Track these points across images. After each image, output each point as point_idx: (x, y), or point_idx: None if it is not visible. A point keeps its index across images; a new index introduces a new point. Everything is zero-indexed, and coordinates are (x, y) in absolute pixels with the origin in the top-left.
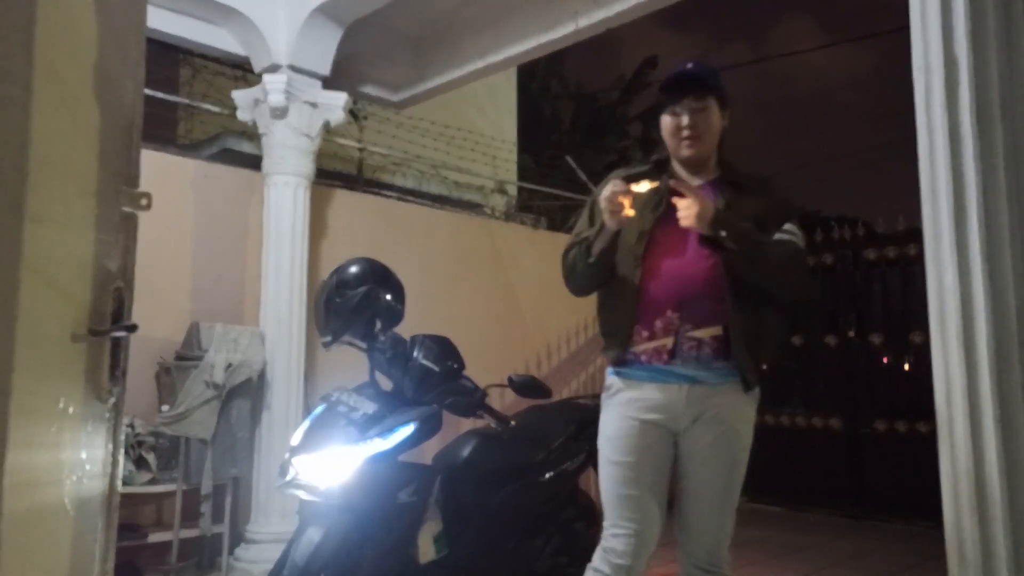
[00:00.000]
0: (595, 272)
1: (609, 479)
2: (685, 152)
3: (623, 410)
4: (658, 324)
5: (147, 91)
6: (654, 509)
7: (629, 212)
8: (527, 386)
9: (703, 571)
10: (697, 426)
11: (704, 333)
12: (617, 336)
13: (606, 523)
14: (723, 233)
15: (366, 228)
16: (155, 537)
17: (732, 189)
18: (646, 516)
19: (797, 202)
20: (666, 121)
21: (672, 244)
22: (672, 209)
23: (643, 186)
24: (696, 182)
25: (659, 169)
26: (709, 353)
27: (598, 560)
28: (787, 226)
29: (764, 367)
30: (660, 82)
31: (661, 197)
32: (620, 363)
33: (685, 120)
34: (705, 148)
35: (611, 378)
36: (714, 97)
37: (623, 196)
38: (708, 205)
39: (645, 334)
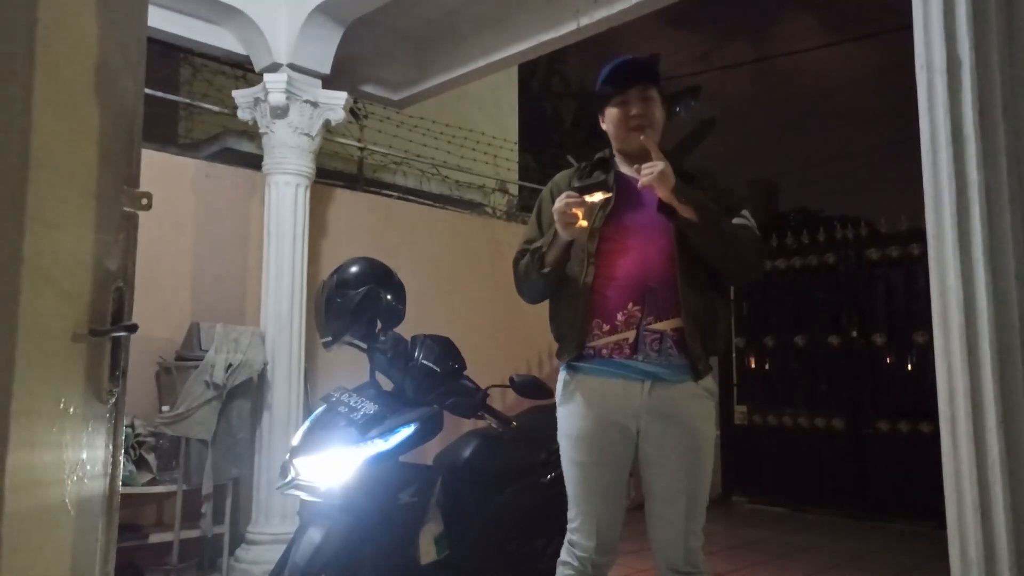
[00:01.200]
0: (548, 281)
1: (571, 477)
2: (635, 142)
3: (582, 408)
4: (619, 317)
5: (147, 90)
6: (615, 507)
7: (583, 223)
8: (528, 386)
9: (679, 573)
10: (658, 425)
11: (665, 325)
12: (572, 334)
13: (569, 515)
14: (682, 200)
15: (367, 228)
16: (156, 537)
17: (682, 179)
18: (607, 510)
19: (796, 202)
20: (613, 113)
21: (626, 238)
22: (622, 205)
23: (596, 196)
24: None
25: (601, 167)
26: (671, 346)
27: (565, 553)
28: (742, 212)
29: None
30: (603, 74)
31: (609, 198)
32: (577, 359)
33: (634, 109)
34: (655, 136)
35: (566, 374)
36: (656, 89)
37: (577, 207)
38: (670, 170)
39: (606, 328)
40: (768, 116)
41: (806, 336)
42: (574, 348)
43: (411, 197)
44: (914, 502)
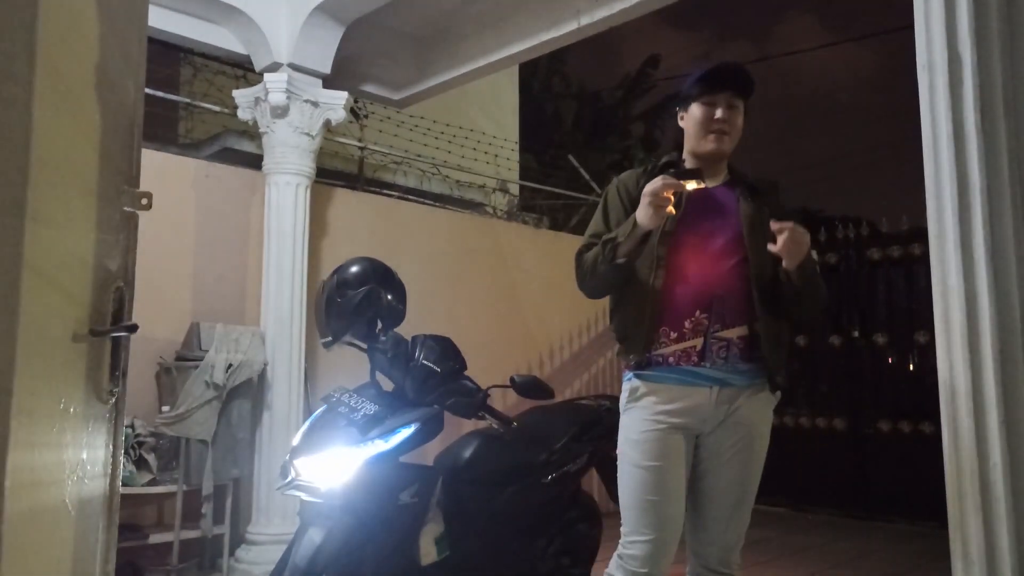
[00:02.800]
0: (618, 274)
1: (633, 483)
2: (711, 145)
3: (649, 414)
4: (687, 325)
5: (148, 90)
6: (677, 515)
7: (672, 209)
8: (529, 387)
9: (713, 572)
10: (721, 429)
11: (732, 333)
12: (637, 339)
13: (625, 529)
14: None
15: (367, 227)
16: (156, 538)
17: (749, 192)
18: (668, 523)
19: (796, 202)
20: (697, 111)
21: (696, 244)
22: (693, 209)
23: (691, 184)
24: (712, 184)
25: (668, 171)
26: (736, 354)
27: (615, 568)
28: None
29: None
30: (698, 72)
31: (680, 197)
32: (643, 366)
33: (720, 113)
34: (730, 146)
35: (633, 382)
36: (744, 101)
37: (672, 191)
38: (807, 239)
39: (673, 335)
40: (768, 116)
41: (807, 336)
42: (640, 350)
43: (411, 197)
44: (915, 502)
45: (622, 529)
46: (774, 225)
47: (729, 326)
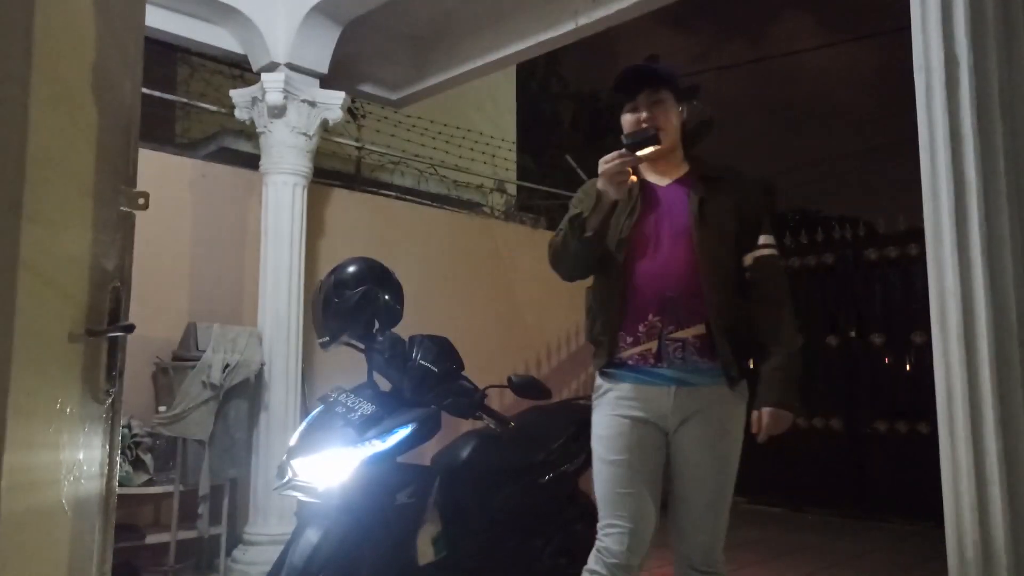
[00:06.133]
0: (587, 251)
1: (603, 478)
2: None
3: (613, 409)
4: (641, 329)
5: (145, 90)
6: (648, 506)
7: (633, 178)
8: (526, 387)
9: (699, 572)
10: (686, 427)
11: (687, 333)
12: (604, 343)
13: (600, 523)
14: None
15: (364, 227)
16: (153, 538)
17: (705, 185)
18: (640, 514)
19: (794, 202)
20: (626, 119)
21: (647, 247)
22: (644, 213)
23: (647, 150)
24: (665, 182)
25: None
26: (694, 353)
27: (593, 561)
28: (763, 239)
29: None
30: (614, 82)
31: (634, 204)
32: (608, 366)
33: (644, 114)
34: (667, 140)
35: (599, 380)
36: (669, 91)
37: (630, 164)
38: (782, 418)
39: (629, 340)
40: (766, 116)
41: (804, 336)
42: (605, 355)
43: (409, 197)
44: (912, 502)
45: (599, 522)
46: (759, 436)
47: (684, 326)
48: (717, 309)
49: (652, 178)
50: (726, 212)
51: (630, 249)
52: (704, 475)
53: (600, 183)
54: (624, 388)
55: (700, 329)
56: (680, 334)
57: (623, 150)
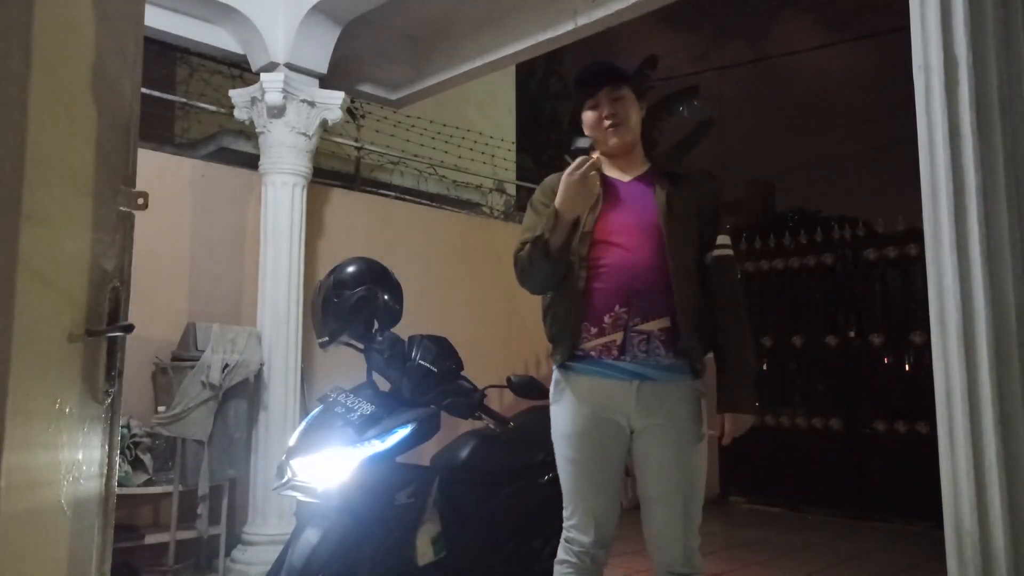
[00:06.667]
0: (555, 267)
1: (567, 474)
2: (612, 141)
3: (575, 406)
4: (607, 320)
5: (144, 90)
6: (613, 498)
7: (596, 188)
8: (526, 387)
9: (677, 574)
10: (647, 426)
11: (652, 326)
12: (565, 337)
13: (566, 515)
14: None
15: (364, 227)
16: (152, 538)
17: (669, 181)
18: (605, 507)
19: (794, 202)
20: (588, 116)
21: (612, 241)
22: (607, 207)
23: (595, 153)
24: (627, 178)
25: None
26: (658, 346)
27: (563, 552)
28: (720, 239)
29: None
30: (574, 80)
31: (596, 199)
32: (569, 359)
33: (606, 111)
34: (630, 136)
35: (558, 374)
36: (629, 88)
37: (592, 169)
38: (741, 422)
39: (594, 331)
40: (766, 116)
41: (803, 336)
42: (566, 350)
43: (408, 197)
44: (911, 502)
45: (564, 514)
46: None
47: (649, 319)
48: (683, 302)
49: (613, 174)
50: (690, 208)
51: (595, 242)
52: (671, 476)
53: (565, 201)
54: (584, 383)
55: (665, 322)
56: (646, 326)
57: (581, 159)
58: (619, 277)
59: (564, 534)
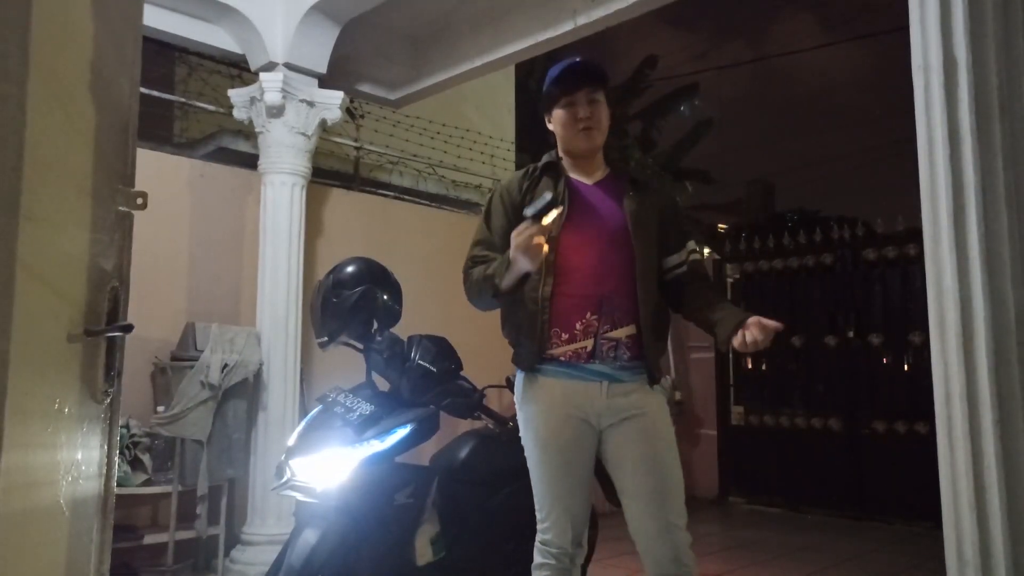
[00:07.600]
0: (504, 301)
1: (539, 477)
2: (583, 144)
3: (547, 409)
4: (578, 327)
5: (143, 89)
6: (584, 499)
7: (545, 248)
8: None
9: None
10: (616, 425)
11: (620, 333)
12: (531, 342)
13: (539, 517)
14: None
15: (363, 227)
16: (151, 538)
17: (633, 188)
18: (577, 507)
19: (793, 203)
20: (560, 114)
21: (582, 245)
22: (572, 211)
23: (551, 216)
24: (590, 180)
25: (550, 172)
26: (625, 353)
27: (539, 555)
28: (690, 244)
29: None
30: (553, 73)
31: (564, 199)
32: (538, 363)
33: (582, 112)
34: (600, 140)
35: (524, 378)
36: (604, 92)
37: (539, 236)
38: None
39: (565, 336)
40: (765, 116)
41: (803, 336)
42: (533, 355)
43: (407, 197)
44: (911, 502)
45: (537, 516)
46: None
47: (619, 326)
48: (648, 309)
49: (577, 176)
50: (653, 215)
51: (562, 248)
52: (643, 468)
53: (514, 253)
54: (553, 386)
55: (632, 329)
56: (615, 334)
57: (530, 222)
58: (588, 283)
59: (539, 537)
